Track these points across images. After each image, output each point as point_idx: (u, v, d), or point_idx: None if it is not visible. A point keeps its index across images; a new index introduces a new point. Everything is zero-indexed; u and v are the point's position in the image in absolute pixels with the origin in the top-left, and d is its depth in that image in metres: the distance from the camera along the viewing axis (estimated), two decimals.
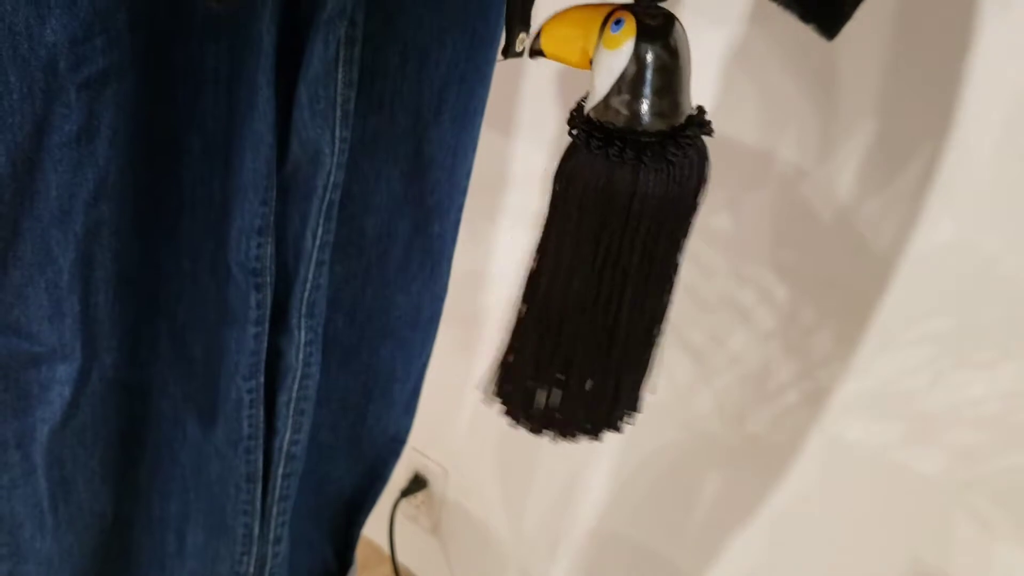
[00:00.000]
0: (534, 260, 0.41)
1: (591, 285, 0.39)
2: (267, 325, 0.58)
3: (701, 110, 0.40)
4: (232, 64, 0.51)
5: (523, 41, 0.51)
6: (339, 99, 0.53)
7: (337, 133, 0.54)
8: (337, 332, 0.66)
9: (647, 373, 0.42)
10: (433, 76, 0.58)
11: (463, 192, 0.66)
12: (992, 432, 0.94)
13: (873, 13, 0.80)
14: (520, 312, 0.42)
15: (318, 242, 0.56)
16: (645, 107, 0.37)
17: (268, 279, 0.57)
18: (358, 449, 0.72)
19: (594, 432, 0.43)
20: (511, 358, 0.42)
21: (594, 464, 1.20)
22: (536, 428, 0.43)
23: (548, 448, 1.24)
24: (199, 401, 0.63)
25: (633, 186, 0.37)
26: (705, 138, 0.40)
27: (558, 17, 0.39)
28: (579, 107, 0.39)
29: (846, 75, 0.92)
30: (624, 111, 0.37)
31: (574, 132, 0.38)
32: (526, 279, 0.42)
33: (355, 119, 0.57)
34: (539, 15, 0.53)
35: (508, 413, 0.43)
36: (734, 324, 1.04)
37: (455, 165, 0.63)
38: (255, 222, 0.54)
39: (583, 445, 1.15)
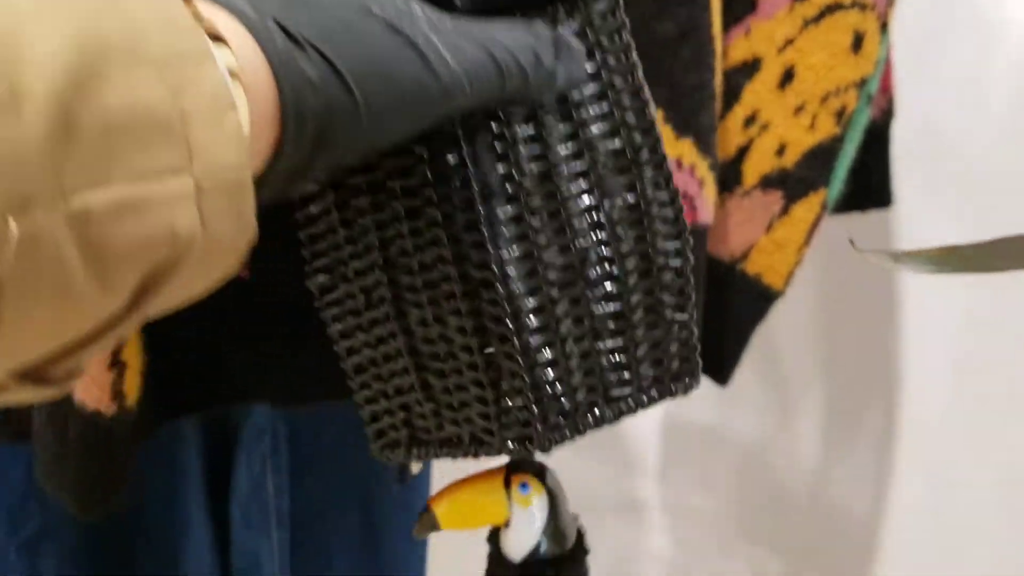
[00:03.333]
0: None
1: None
2: None
3: None
4: (170, 490, 0.54)
5: (417, 463, 0.55)
6: (272, 506, 0.55)
7: (274, 536, 0.56)
8: None
9: None
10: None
11: (422, 559, 0.67)
12: None
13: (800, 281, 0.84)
14: None
15: None
16: (569, 529, 0.48)
17: None
18: None
19: None
20: None
21: None
22: None
23: None
24: None
25: None
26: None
27: (450, 499, 0.47)
28: (498, 551, 0.47)
29: (784, 344, 0.95)
30: (557, 543, 0.47)
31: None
32: None
33: (301, 496, 0.59)
34: None
35: None
36: None
37: (409, 521, 0.65)
38: None
39: None
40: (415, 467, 0.55)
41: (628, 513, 1.03)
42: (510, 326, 0.40)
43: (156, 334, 0.40)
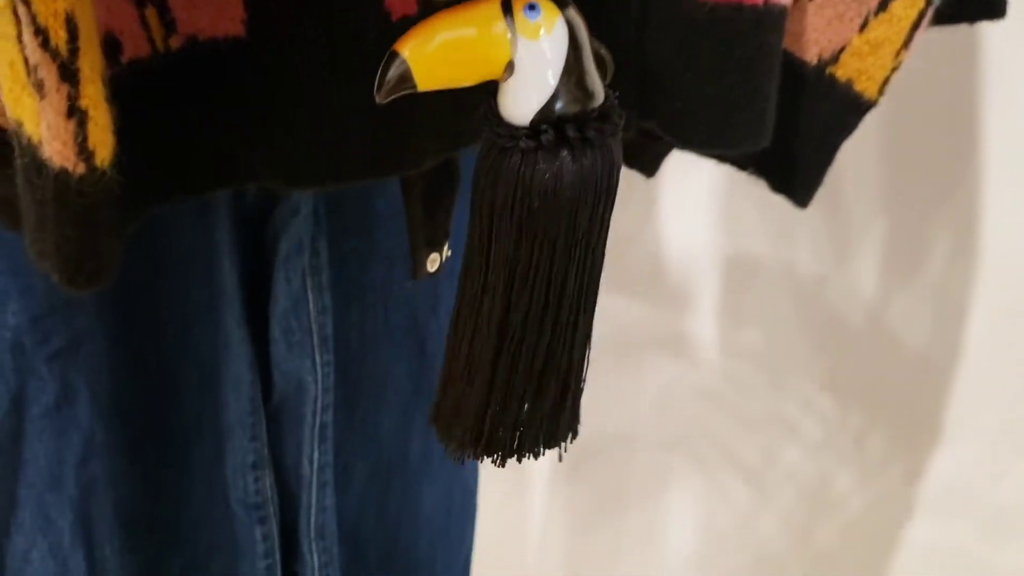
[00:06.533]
0: (462, 297, 0.38)
1: (527, 293, 0.36)
2: (278, 555, 0.57)
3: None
4: (208, 305, 0.52)
5: (434, 261, 0.51)
6: (314, 327, 0.52)
7: (318, 359, 0.53)
8: (370, 533, 0.65)
9: (580, 376, 0.40)
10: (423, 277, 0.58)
11: None
12: None
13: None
14: (449, 345, 0.39)
15: (316, 466, 0.56)
16: (595, 80, 0.35)
17: (272, 510, 0.56)
18: None
19: (536, 452, 0.40)
20: (449, 388, 0.40)
21: None
22: (480, 454, 0.40)
23: None
24: None
25: (608, 164, 0.35)
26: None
27: (424, 37, 0.33)
28: (494, 115, 0.35)
29: (848, 172, 0.90)
30: (579, 97, 0.34)
31: (540, 138, 0.34)
32: (457, 307, 0.39)
33: (350, 327, 0.57)
34: None
35: (450, 442, 0.41)
36: (784, 439, 1.01)
37: None
38: (248, 458, 0.54)
39: None
40: (431, 264, 0.51)
41: (674, 348, 1.01)
42: None
43: (132, 97, 0.36)
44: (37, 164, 0.34)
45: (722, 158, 0.50)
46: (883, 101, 0.85)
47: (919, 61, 0.76)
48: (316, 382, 0.54)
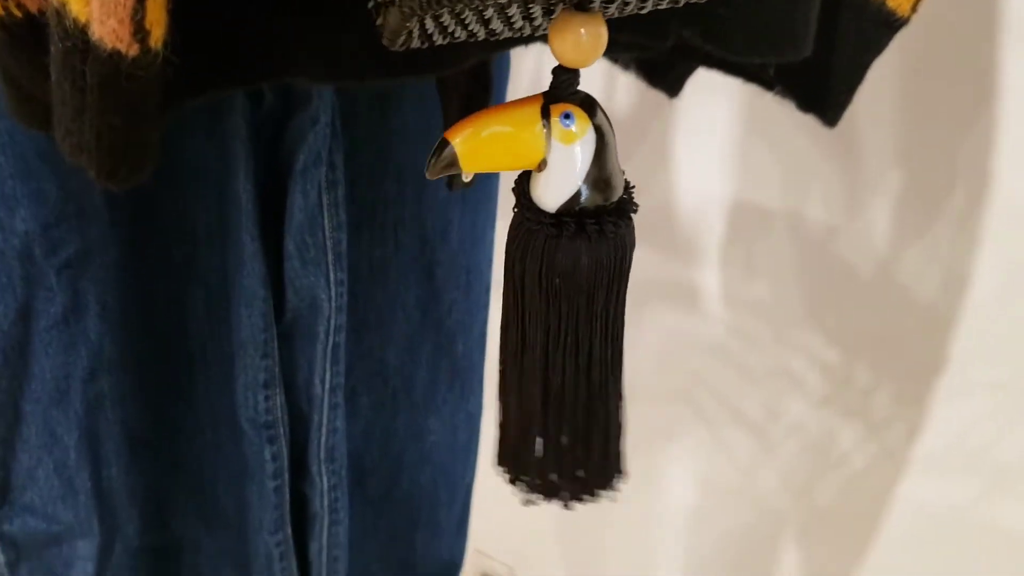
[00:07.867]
0: (506, 352, 0.42)
1: (560, 358, 0.41)
2: (286, 476, 0.56)
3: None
4: (220, 220, 0.51)
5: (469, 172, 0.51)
6: (328, 243, 0.51)
7: (332, 277, 0.52)
8: (374, 464, 0.64)
9: (619, 429, 0.44)
10: (433, 200, 0.57)
11: (484, 307, 0.65)
12: None
13: (886, 59, 0.78)
14: (502, 397, 0.44)
15: (327, 386, 0.55)
16: (616, 176, 0.40)
17: (281, 430, 0.55)
18: None
19: (594, 495, 0.45)
20: (507, 438, 0.44)
21: (664, 552, 1.16)
22: (547, 498, 0.45)
23: (615, 540, 1.21)
24: (234, 554, 0.62)
25: (621, 251, 0.40)
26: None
27: (473, 131, 0.38)
28: (526, 196, 0.40)
29: (865, 125, 0.89)
30: (600, 192, 0.39)
31: (561, 224, 0.39)
32: (500, 369, 0.43)
33: (360, 252, 0.56)
34: None
35: (516, 487, 0.45)
36: (788, 393, 1.01)
37: (470, 283, 0.62)
38: (259, 376, 0.53)
39: (650, 539, 1.11)
40: (467, 176, 0.51)
41: (679, 298, 1.00)
42: None
43: None
44: (84, 47, 0.32)
45: (751, 77, 0.49)
46: (900, 54, 0.84)
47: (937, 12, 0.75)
48: (330, 300, 0.53)
